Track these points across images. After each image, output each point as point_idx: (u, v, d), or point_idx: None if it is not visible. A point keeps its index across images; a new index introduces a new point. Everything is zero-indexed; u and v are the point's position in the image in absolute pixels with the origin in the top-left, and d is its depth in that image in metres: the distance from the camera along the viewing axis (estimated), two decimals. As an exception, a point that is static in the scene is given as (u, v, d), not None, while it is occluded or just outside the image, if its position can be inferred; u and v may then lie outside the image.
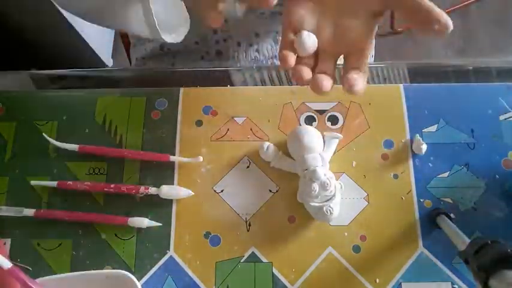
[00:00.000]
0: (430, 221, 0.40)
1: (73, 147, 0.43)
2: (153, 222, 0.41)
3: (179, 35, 0.43)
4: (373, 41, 0.34)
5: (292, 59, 0.32)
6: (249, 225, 0.41)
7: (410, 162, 0.43)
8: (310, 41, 0.32)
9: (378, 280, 0.39)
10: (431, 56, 1.42)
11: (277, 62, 0.59)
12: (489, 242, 0.31)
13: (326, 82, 0.31)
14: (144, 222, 0.41)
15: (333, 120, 0.44)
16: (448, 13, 0.28)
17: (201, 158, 0.42)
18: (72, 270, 0.40)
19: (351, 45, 0.32)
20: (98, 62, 1.25)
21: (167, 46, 0.59)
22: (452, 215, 0.40)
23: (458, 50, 1.42)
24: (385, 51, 1.38)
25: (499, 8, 1.47)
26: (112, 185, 0.42)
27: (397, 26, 1.39)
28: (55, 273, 0.40)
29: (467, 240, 0.34)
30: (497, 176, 0.42)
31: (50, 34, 1.03)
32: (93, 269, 0.40)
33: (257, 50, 0.58)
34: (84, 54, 1.19)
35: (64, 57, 1.10)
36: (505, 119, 0.44)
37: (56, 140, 0.44)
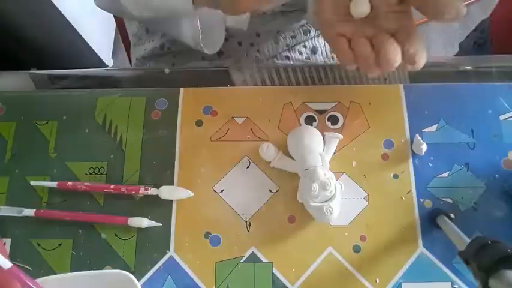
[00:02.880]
0: (430, 221, 0.40)
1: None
2: (153, 222, 0.41)
3: (217, 45, 0.48)
4: None
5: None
6: (249, 225, 0.41)
7: (410, 162, 0.43)
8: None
9: (377, 280, 0.39)
10: (431, 56, 1.42)
11: (278, 62, 0.59)
12: (489, 242, 0.31)
13: (393, 53, 0.30)
14: (144, 222, 0.41)
15: (333, 120, 0.44)
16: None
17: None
18: (72, 270, 0.40)
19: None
20: (98, 62, 1.25)
21: (167, 46, 0.59)
22: (452, 215, 0.40)
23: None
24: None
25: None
26: (112, 186, 0.42)
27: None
28: (55, 273, 0.40)
29: (467, 240, 0.34)
30: (497, 176, 0.42)
31: (50, 34, 1.03)
32: (93, 269, 0.40)
33: (258, 50, 0.58)
34: (84, 55, 1.19)
35: (64, 57, 1.10)
36: (505, 119, 0.44)
37: (56, 139, 0.44)
